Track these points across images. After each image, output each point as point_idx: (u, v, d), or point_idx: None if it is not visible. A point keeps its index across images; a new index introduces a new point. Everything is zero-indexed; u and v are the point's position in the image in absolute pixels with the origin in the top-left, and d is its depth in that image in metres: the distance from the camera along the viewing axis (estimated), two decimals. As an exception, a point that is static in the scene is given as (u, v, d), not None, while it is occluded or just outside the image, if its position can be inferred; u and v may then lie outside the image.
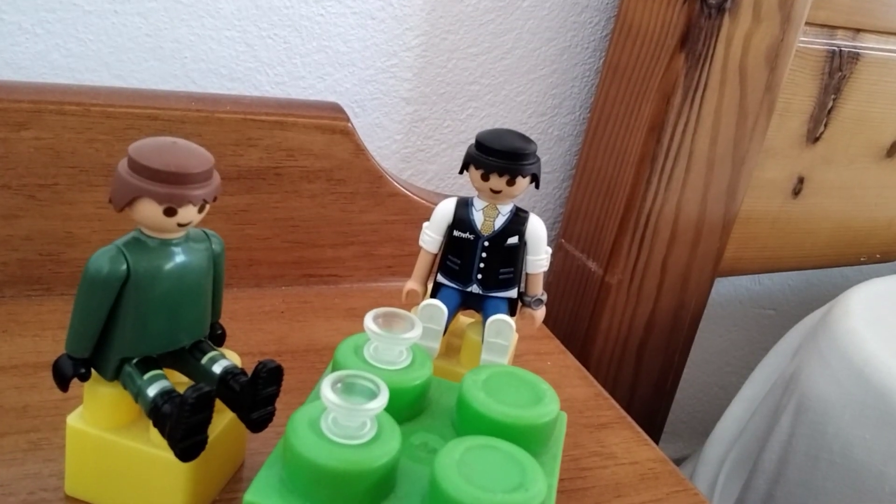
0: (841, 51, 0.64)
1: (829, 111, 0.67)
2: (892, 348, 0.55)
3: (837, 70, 0.65)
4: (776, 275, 0.85)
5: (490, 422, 0.32)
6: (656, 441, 0.48)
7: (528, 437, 0.32)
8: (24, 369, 0.40)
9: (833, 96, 0.66)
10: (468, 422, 0.33)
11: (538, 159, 0.39)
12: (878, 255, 0.78)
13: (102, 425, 0.32)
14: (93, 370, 0.31)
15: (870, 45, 0.66)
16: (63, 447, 0.33)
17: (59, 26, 0.49)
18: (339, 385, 0.29)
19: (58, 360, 0.31)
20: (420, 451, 0.33)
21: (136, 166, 0.29)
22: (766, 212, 0.69)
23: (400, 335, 0.33)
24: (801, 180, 0.69)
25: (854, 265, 0.79)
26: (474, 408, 0.33)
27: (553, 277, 0.67)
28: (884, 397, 0.51)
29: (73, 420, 0.32)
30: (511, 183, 0.38)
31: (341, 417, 0.29)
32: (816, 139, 0.67)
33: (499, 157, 0.38)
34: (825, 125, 0.67)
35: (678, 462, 0.43)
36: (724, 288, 0.82)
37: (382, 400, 0.29)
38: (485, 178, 0.38)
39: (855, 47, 0.65)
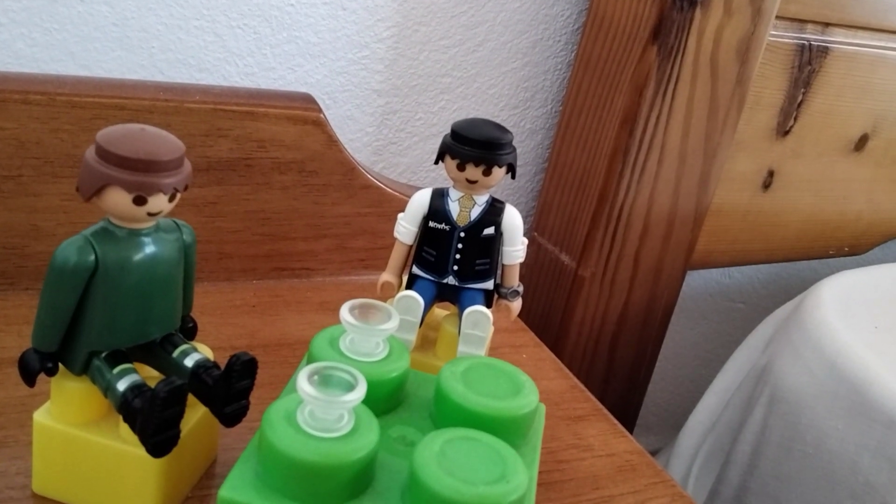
0: (810, 45, 0.65)
1: (799, 105, 0.67)
2: (863, 339, 0.55)
3: (807, 64, 0.65)
4: (746, 268, 0.85)
5: (469, 413, 0.32)
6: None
7: (507, 429, 0.32)
8: (-13, 365, 0.39)
9: (802, 90, 0.66)
10: (447, 414, 0.33)
11: (514, 149, 0.39)
12: (846, 248, 0.79)
13: (70, 421, 0.31)
14: (60, 364, 0.30)
15: (838, 39, 0.66)
16: (30, 444, 0.32)
17: (24, 15, 0.47)
18: (315, 377, 0.28)
19: (24, 355, 0.30)
20: (398, 444, 0.32)
21: (104, 154, 0.28)
22: (737, 205, 0.69)
23: (377, 326, 0.33)
24: (771, 173, 0.69)
25: (822, 258, 0.79)
26: (453, 399, 0.32)
27: (526, 270, 0.67)
28: (856, 388, 0.52)
29: (40, 416, 0.31)
30: (487, 173, 0.38)
31: (318, 410, 0.28)
32: (786, 132, 0.68)
33: (475, 146, 0.38)
34: (795, 119, 0.67)
35: (651, 455, 0.43)
36: (694, 281, 0.82)
37: (360, 391, 0.28)
38: (461, 167, 0.38)
39: (824, 41, 0.66)
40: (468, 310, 0.38)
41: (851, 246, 0.79)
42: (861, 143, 0.72)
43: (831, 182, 0.73)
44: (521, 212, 0.41)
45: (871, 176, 0.75)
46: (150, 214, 0.29)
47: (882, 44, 0.69)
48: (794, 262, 0.85)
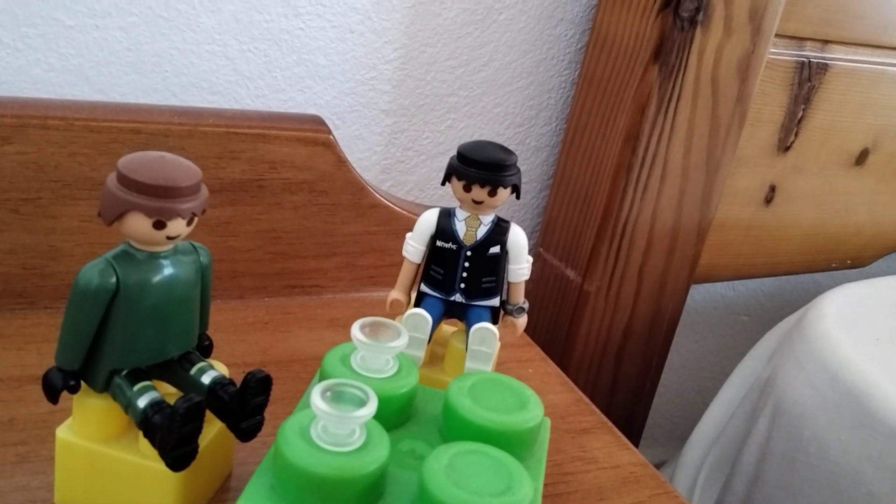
0: (810, 62, 0.66)
1: (800, 121, 0.68)
2: (865, 351, 0.56)
3: (807, 80, 0.66)
4: (749, 281, 0.86)
5: (476, 428, 0.33)
6: (635, 446, 0.49)
7: (513, 442, 0.33)
8: (9, 383, 0.40)
9: (803, 106, 0.67)
10: (455, 428, 0.34)
11: (519, 170, 0.40)
12: (848, 261, 0.79)
13: (92, 437, 0.32)
14: (82, 382, 0.32)
15: (838, 56, 0.67)
16: (51, 459, 0.33)
17: (41, 41, 0.49)
18: (328, 393, 0.29)
19: (47, 373, 0.31)
20: (408, 458, 0.33)
21: (125, 180, 0.29)
22: (739, 219, 0.70)
23: (387, 344, 0.34)
24: (772, 188, 0.70)
25: (825, 271, 0.80)
26: (460, 414, 0.33)
27: (532, 286, 0.68)
28: (858, 399, 0.52)
29: (63, 432, 0.32)
30: (492, 194, 0.39)
31: (331, 425, 0.29)
32: (787, 148, 0.69)
33: (480, 168, 0.39)
34: (796, 134, 0.68)
35: (657, 467, 0.44)
36: (699, 294, 0.83)
37: (371, 407, 0.29)
38: (467, 189, 0.39)
39: (823, 58, 0.67)
40: (475, 326, 0.39)
41: (854, 259, 0.79)
42: (862, 157, 0.73)
43: (833, 196, 0.74)
44: (526, 228, 0.42)
45: (873, 189, 0.76)
46: (168, 238, 0.30)
47: (882, 60, 0.70)
48: (798, 275, 0.86)
